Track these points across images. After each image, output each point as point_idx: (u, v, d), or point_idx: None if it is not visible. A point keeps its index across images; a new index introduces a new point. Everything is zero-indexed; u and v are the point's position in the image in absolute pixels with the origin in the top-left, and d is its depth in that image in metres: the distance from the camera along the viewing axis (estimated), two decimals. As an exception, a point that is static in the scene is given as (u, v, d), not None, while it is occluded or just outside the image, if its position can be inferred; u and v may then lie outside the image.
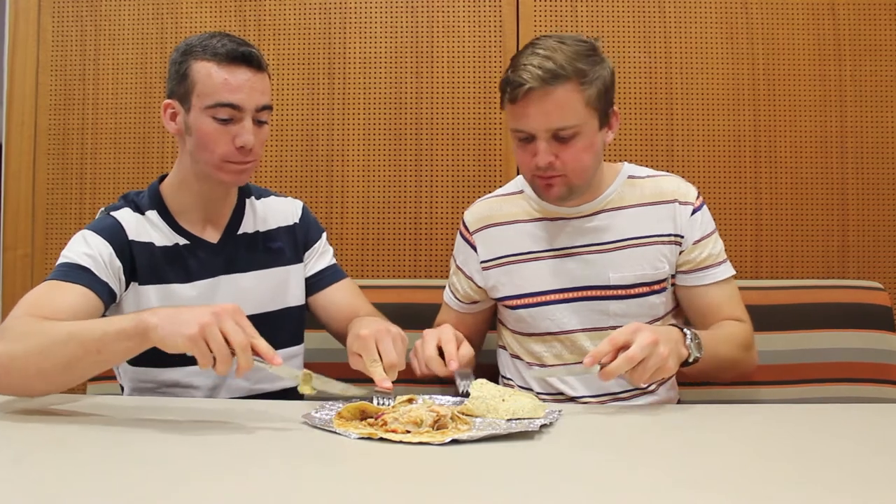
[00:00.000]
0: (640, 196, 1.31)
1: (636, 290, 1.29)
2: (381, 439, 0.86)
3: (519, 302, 1.33)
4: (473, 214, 1.41)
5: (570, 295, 1.30)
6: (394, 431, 0.88)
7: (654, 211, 1.30)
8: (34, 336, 0.98)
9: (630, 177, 1.33)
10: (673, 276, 1.32)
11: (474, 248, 1.39)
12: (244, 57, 1.17)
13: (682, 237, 1.30)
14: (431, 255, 1.90)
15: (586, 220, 1.30)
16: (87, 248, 1.16)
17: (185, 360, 0.97)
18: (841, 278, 1.84)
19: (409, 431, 0.87)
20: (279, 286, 1.31)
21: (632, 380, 1.01)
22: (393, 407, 0.97)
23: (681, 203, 1.30)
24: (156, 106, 1.95)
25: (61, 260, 1.16)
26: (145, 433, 0.89)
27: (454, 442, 0.84)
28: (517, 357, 1.37)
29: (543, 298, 1.31)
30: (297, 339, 1.35)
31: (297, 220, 1.38)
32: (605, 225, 1.30)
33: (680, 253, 1.30)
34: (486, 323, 1.46)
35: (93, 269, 1.14)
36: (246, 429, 0.93)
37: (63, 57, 1.96)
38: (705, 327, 1.26)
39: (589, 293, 1.30)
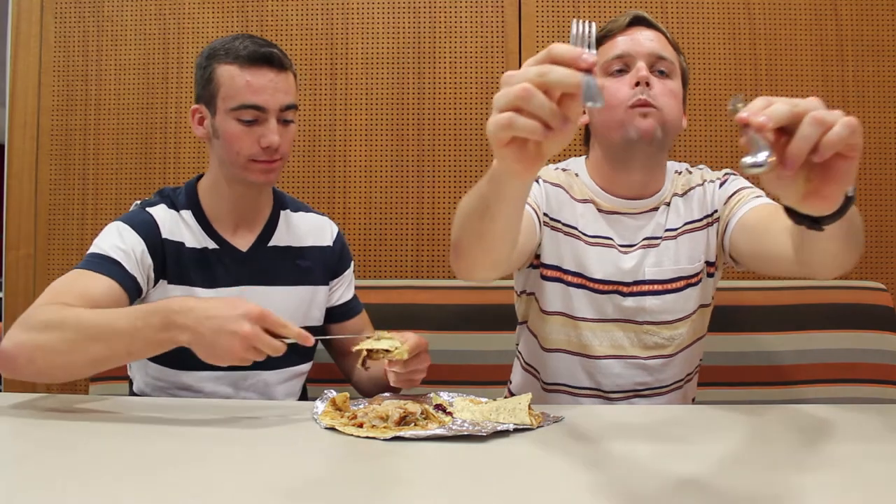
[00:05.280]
0: (682, 185, 1.29)
1: (674, 285, 1.25)
2: (339, 431, 0.90)
3: (561, 275, 1.26)
4: (545, 171, 1.32)
5: (612, 287, 1.24)
6: (359, 426, 0.91)
7: (695, 195, 1.28)
8: (62, 330, 1.00)
9: (676, 171, 1.32)
10: (712, 265, 1.27)
11: (542, 191, 1.28)
12: (266, 58, 1.18)
13: (716, 210, 1.27)
14: (433, 256, 1.90)
15: (641, 216, 1.26)
16: (120, 242, 1.17)
17: (202, 366, 0.97)
18: (843, 279, 1.83)
19: (374, 426, 0.90)
20: (303, 304, 1.31)
21: (794, 148, 0.62)
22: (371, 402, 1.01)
23: (709, 181, 1.29)
24: (158, 106, 1.95)
25: (93, 250, 1.17)
26: (148, 433, 0.90)
27: (397, 439, 0.86)
28: (558, 349, 1.29)
29: (584, 282, 1.25)
30: (308, 358, 1.35)
31: (331, 244, 1.37)
32: (656, 221, 1.26)
33: (717, 221, 1.26)
34: (530, 238, 1.23)
35: (123, 262, 1.15)
36: (250, 428, 0.93)
37: (66, 57, 1.97)
38: (764, 246, 1.11)
39: (629, 288, 1.24)
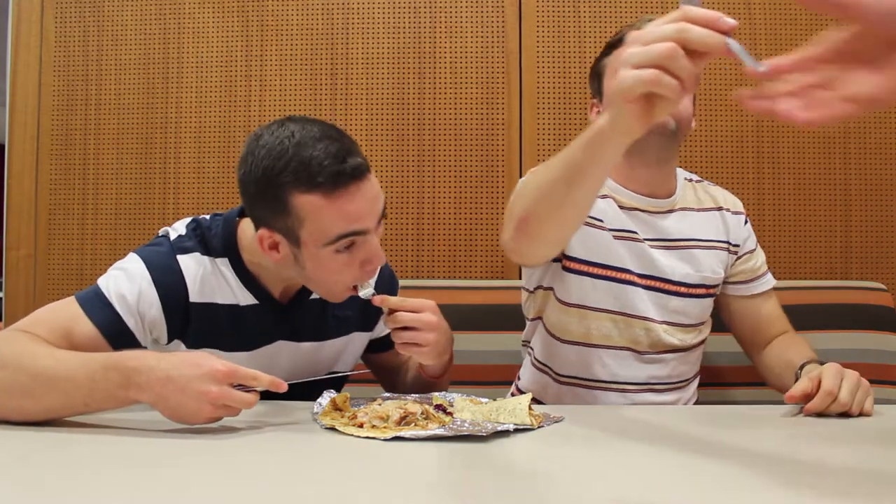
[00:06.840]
0: (696, 200, 1.34)
1: (697, 291, 1.29)
2: (339, 431, 0.90)
3: (587, 268, 1.27)
4: None
5: (639, 280, 1.27)
6: (359, 426, 0.90)
7: (709, 217, 1.33)
8: (16, 371, 0.91)
9: (686, 179, 1.36)
10: (714, 288, 1.33)
11: None
12: (352, 175, 0.97)
13: (738, 246, 1.33)
14: (434, 256, 1.90)
15: (660, 216, 1.30)
16: (130, 294, 1.03)
17: None
18: (844, 279, 1.84)
19: (374, 426, 0.90)
20: (334, 356, 1.21)
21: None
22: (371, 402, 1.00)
23: (732, 212, 1.35)
24: (158, 106, 1.95)
25: (101, 281, 1.05)
26: (147, 432, 0.90)
27: (397, 438, 0.86)
28: (575, 342, 1.30)
29: (611, 273, 1.26)
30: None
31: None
32: (674, 225, 1.30)
33: (736, 261, 1.33)
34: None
35: (123, 315, 1.03)
36: (250, 428, 0.93)
37: (66, 57, 1.97)
38: (756, 341, 1.33)
39: (655, 283, 1.28)
